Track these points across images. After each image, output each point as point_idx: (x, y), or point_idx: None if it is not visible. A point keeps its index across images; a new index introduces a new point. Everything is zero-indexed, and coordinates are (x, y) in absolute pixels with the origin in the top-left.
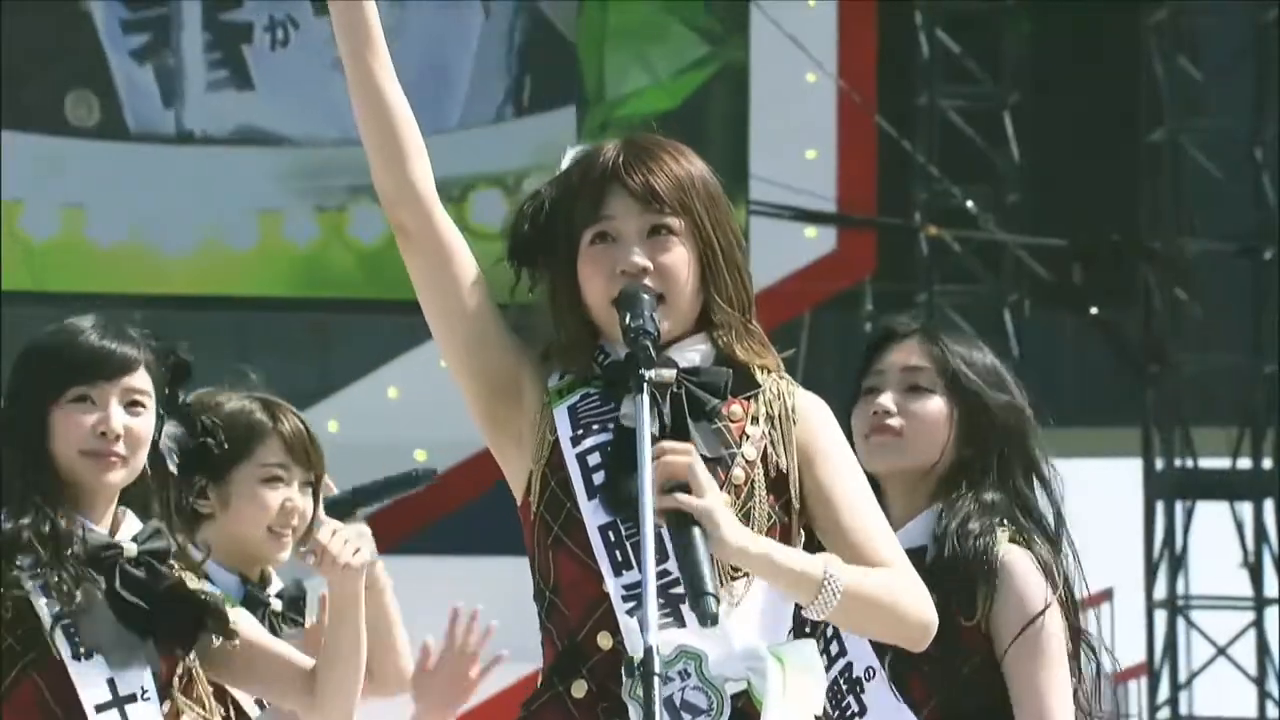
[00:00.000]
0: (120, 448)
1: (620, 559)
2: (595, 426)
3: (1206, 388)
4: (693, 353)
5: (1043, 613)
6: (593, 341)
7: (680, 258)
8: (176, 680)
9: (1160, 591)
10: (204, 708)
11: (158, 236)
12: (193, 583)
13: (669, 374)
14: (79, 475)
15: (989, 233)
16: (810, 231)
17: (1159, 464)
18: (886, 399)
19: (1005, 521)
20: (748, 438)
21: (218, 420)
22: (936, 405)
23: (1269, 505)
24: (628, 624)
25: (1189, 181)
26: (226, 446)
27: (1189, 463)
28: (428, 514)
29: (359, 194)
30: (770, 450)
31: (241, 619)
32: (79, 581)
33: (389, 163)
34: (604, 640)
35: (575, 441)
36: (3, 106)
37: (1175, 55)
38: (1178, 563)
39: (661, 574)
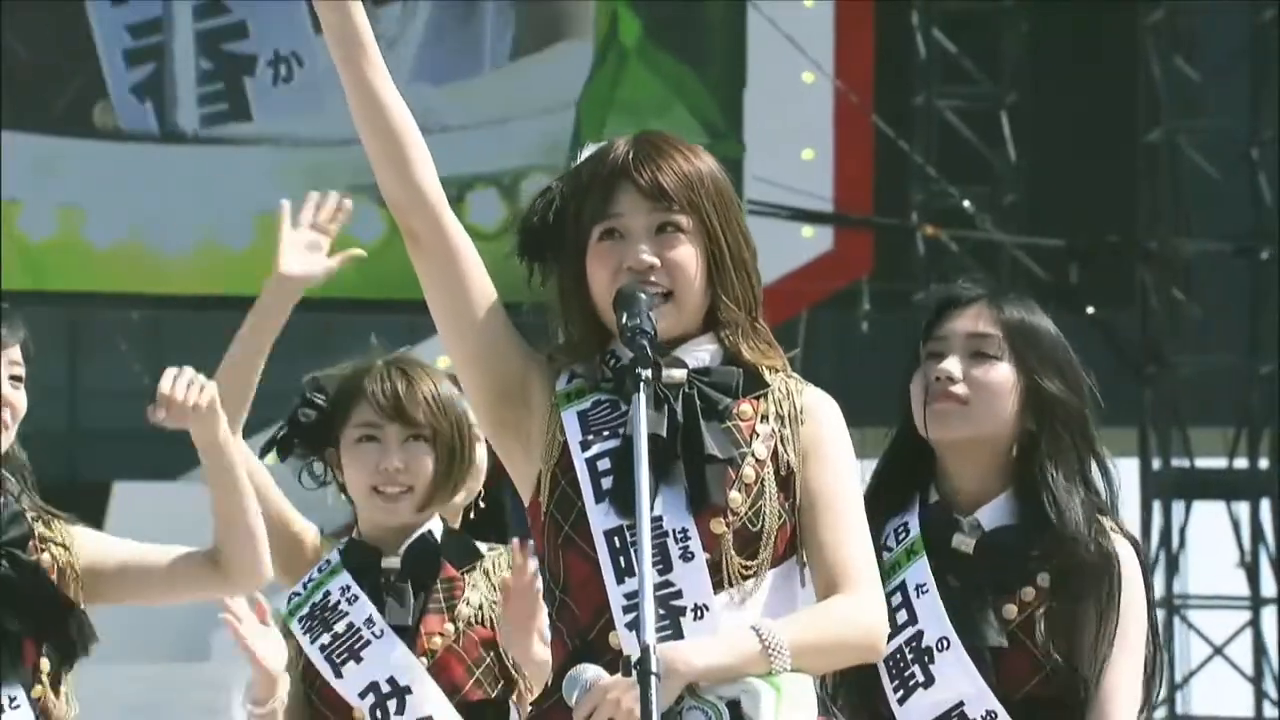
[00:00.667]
0: (6, 416)
1: (624, 565)
2: (605, 433)
3: (1203, 388)
4: (702, 352)
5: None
6: (601, 339)
7: (688, 254)
8: (44, 668)
9: (1157, 591)
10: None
11: (156, 237)
12: (61, 556)
13: (679, 374)
14: None
15: (986, 232)
16: (807, 231)
17: (1156, 464)
18: (951, 364)
19: (1101, 512)
20: (757, 436)
21: (323, 391)
22: (1003, 373)
23: (1265, 505)
24: (625, 635)
25: (1186, 182)
26: (321, 414)
27: (1186, 463)
28: None
29: (357, 194)
30: (780, 449)
31: (85, 540)
32: None
33: (393, 168)
34: (615, 639)
35: (585, 446)
36: (2, 107)
37: (1172, 55)
38: (1174, 562)
39: (663, 585)
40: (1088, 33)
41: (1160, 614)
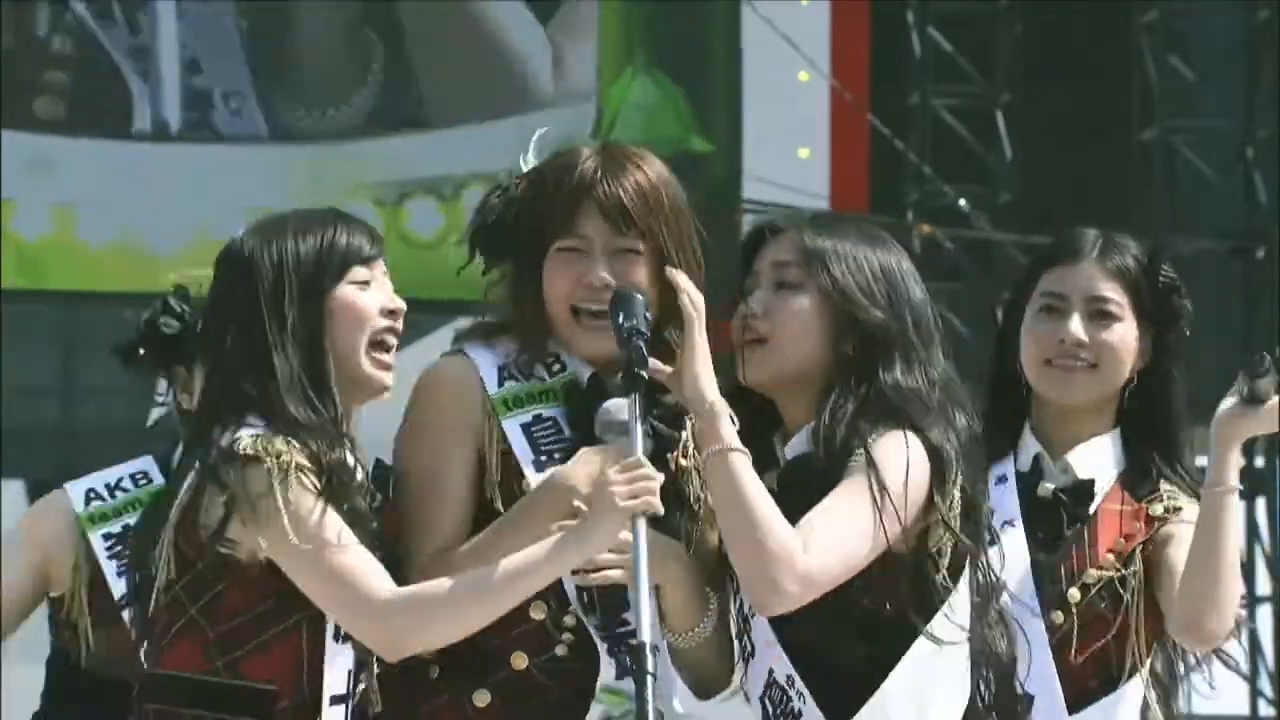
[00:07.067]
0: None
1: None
2: (557, 455)
3: (1198, 387)
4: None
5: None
6: (547, 333)
7: (641, 276)
8: None
9: None
10: None
11: (149, 235)
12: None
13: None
14: (361, 377)
15: (981, 231)
16: None
17: None
18: (755, 301)
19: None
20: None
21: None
22: (802, 304)
23: (1260, 504)
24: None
25: (1181, 180)
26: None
27: None
28: None
29: (353, 192)
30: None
31: None
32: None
33: None
34: (518, 661)
35: (539, 467)
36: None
37: (1167, 54)
38: None
39: (620, 623)
40: (1083, 32)
41: None
